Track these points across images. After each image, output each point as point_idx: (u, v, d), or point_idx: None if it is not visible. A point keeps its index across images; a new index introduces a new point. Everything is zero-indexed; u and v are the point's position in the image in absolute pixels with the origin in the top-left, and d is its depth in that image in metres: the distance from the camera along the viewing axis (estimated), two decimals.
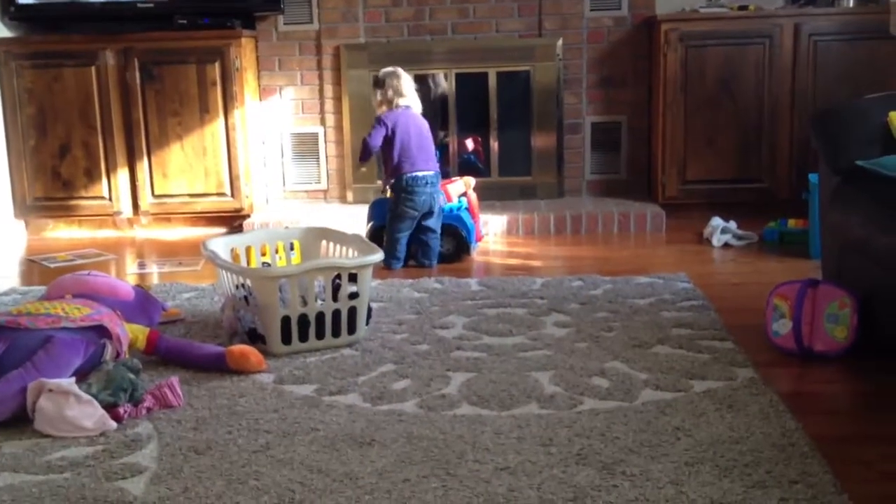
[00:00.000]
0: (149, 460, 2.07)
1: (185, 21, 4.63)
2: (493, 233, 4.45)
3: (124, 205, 4.71)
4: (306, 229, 3.36)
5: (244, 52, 4.65)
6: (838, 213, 2.78)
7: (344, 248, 3.14)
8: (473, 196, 4.16)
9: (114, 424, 2.24)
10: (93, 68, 4.59)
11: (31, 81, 4.61)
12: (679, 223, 4.51)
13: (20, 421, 2.25)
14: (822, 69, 4.40)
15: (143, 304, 2.88)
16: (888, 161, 2.71)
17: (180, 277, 3.81)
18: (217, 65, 4.57)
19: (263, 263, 3.19)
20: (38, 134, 4.66)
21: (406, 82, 3.90)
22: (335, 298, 2.77)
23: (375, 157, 4.03)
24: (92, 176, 4.69)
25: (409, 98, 3.90)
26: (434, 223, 3.86)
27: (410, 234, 3.85)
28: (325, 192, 5.02)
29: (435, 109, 4.84)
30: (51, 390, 2.23)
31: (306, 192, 5.04)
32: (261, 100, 4.94)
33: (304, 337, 2.76)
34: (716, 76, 4.45)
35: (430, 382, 2.50)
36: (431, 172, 3.84)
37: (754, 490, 1.85)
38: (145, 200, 4.70)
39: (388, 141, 3.83)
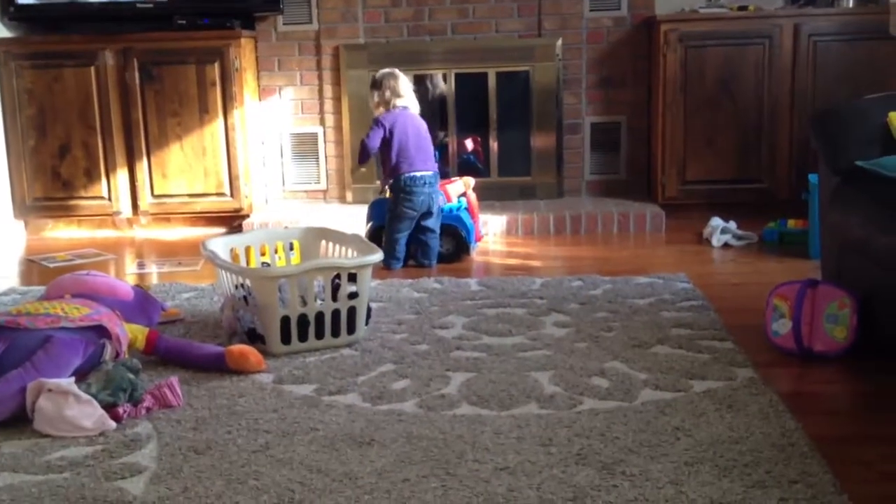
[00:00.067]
0: (148, 460, 2.07)
1: (184, 21, 4.63)
2: (492, 233, 4.45)
3: (124, 205, 4.71)
4: (306, 229, 3.36)
5: (244, 53, 4.65)
6: (838, 213, 2.78)
7: (343, 248, 3.14)
8: (473, 196, 4.16)
9: (113, 424, 2.24)
10: (92, 68, 4.59)
11: (30, 82, 4.61)
12: (679, 223, 4.51)
13: (20, 421, 2.25)
14: (821, 69, 4.40)
15: (142, 304, 2.88)
16: (888, 161, 2.71)
17: (180, 277, 3.81)
18: (216, 65, 4.57)
19: (263, 263, 3.19)
20: (38, 134, 4.66)
21: (403, 83, 3.90)
22: (335, 298, 2.77)
23: (374, 158, 4.02)
24: (91, 176, 4.69)
25: (407, 99, 3.90)
26: (433, 223, 3.87)
27: (410, 235, 3.85)
28: (324, 192, 5.02)
29: (434, 110, 4.84)
30: (50, 390, 2.23)
31: (306, 192, 5.04)
32: (260, 100, 4.94)
33: (303, 337, 2.76)
34: (715, 76, 4.45)
35: (429, 382, 2.50)
36: (430, 173, 3.85)
37: (754, 490, 1.85)
38: (145, 200, 4.70)
39: (387, 142, 3.83)
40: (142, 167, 4.66)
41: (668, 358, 2.63)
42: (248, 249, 3.20)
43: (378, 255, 2.88)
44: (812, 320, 2.60)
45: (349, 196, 4.94)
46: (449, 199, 4.03)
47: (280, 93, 4.95)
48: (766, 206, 4.46)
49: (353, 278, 2.80)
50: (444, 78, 4.83)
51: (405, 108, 3.89)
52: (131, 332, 2.64)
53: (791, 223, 4.10)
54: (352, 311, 2.81)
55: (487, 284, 3.49)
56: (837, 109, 3.04)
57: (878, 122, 2.84)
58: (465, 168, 4.82)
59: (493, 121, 4.82)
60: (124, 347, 2.58)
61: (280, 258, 3.27)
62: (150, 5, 4.66)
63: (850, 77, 4.34)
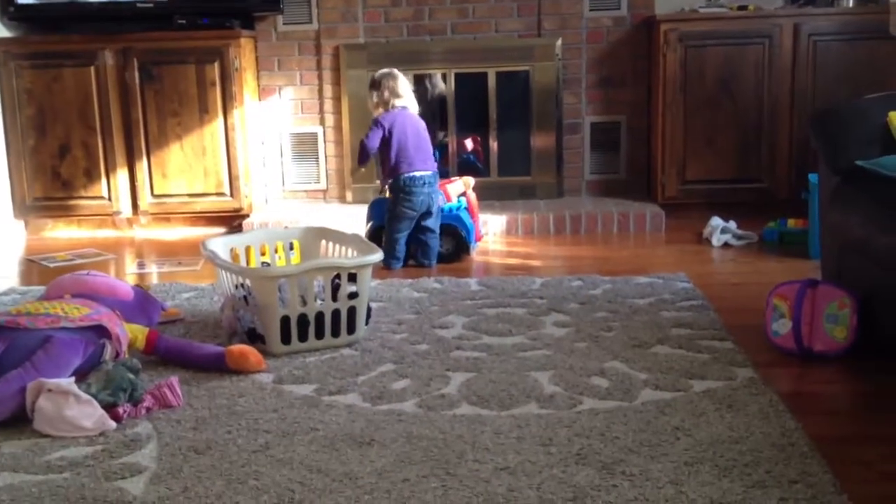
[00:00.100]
0: (148, 460, 2.07)
1: (184, 21, 4.63)
2: (492, 233, 4.45)
3: (124, 205, 4.71)
4: (306, 229, 3.36)
5: (243, 53, 4.65)
6: (838, 213, 2.78)
7: (343, 248, 3.14)
8: (473, 196, 4.16)
9: (113, 424, 2.24)
10: (92, 68, 4.59)
11: (30, 82, 4.61)
12: (678, 223, 4.51)
13: (19, 421, 2.25)
14: (821, 69, 4.40)
15: (142, 303, 2.88)
16: (888, 161, 2.70)
17: (180, 277, 3.81)
18: (216, 65, 4.57)
19: (263, 263, 3.19)
20: (38, 134, 4.66)
21: (402, 83, 3.90)
22: (334, 298, 2.77)
23: (374, 158, 4.02)
24: (91, 176, 4.69)
25: (406, 99, 3.90)
26: (433, 223, 3.87)
27: (410, 234, 3.85)
28: (324, 191, 5.02)
29: (434, 109, 4.84)
30: (50, 390, 2.23)
31: (305, 191, 5.04)
32: (260, 100, 4.94)
33: (303, 337, 2.75)
34: (715, 76, 4.45)
35: (429, 382, 2.50)
36: (429, 172, 3.85)
37: (754, 490, 1.85)
38: (144, 200, 4.70)
39: (386, 142, 3.83)
40: (142, 167, 4.66)
41: (668, 358, 2.63)
42: (248, 249, 3.20)
43: (378, 255, 2.88)
44: (812, 320, 2.60)
45: (349, 196, 4.94)
46: (449, 199, 4.03)
47: (280, 93, 4.95)
48: (765, 206, 4.46)
49: (353, 278, 2.80)
50: (444, 78, 4.83)
51: (404, 108, 3.89)
52: (131, 332, 2.64)
53: (791, 223, 4.10)
54: (352, 311, 2.81)
55: (487, 284, 3.49)
56: (837, 109, 3.04)
57: (878, 121, 2.84)
58: (464, 168, 4.82)
59: (492, 120, 4.82)
60: (124, 347, 2.58)
61: (280, 258, 3.27)
62: (150, 5, 4.66)
63: (849, 77, 4.35)
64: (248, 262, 3.17)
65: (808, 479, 1.88)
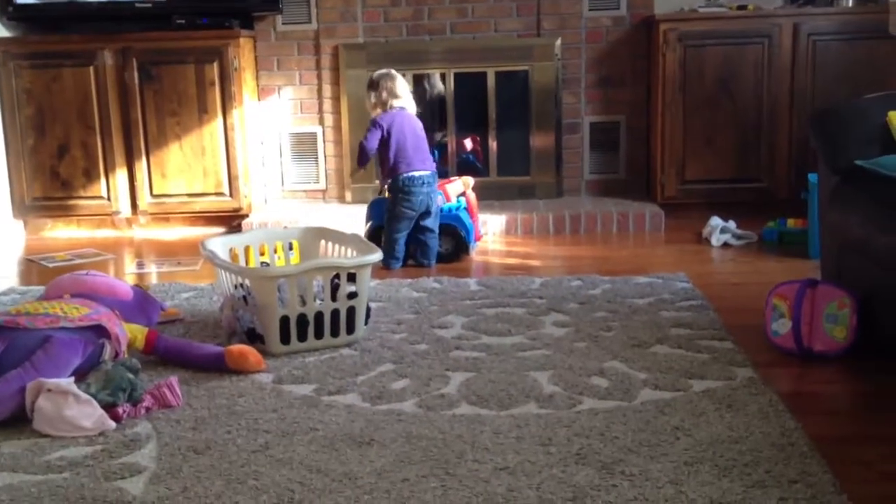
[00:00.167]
0: (148, 460, 2.07)
1: (183, 21, 4.63)
2: (491, 232, 4.45)
3: (123, 205, 4.71)
4: (305, 229, 3.36)
5: (242, 52, 4.65)
6: (837, 212, 2.78)
7: (343, 248, 3.14)
8: (472, 196, 4.16)
9: (113, 424, 2.24)
10: (91, 68, 4.59)
11: (29, 81, 4.61)
12: (678, 223, 4.51)
13: (19, 421, 2.25)
14: (821, 69, 4.40)
15: (141, 303, 2.88)
16: (887, 161, 2.70)
17: (179, 277, 3.81)
18: (215, 65, 4.57)
19: (262, 263, 3.19)
20: (37, 134, 4.66)
21: (400, 83, 3.90)
22: (334, 298, 2.77)
23: (373, 159, 4.02)
24: (90, 176, 4.69)
25: (404, 99, 3.90)
26: (432, 223, 3.86)
27: (409, 234, 3.85)
28: (323, 191, 5.02)
29: (433, 109, 4.84)
30: (49, 390, 2.23)
31: (305, 191, 5.04)
32: (259, 100, 4.94)
33: (302, 337, 2.75)
34: (715, 76, 4.45)
35: (429, 382, 2.49)
36: (428, 172, 3.85)
37: (754, 490, 1.85)
38: (144, 200, 4.70)
39: (384, 142, 3.83)
40: (141, 167, 4.66)
41: (668, 358, 2.63)
42: (247, 249, 3.19)
43: (377, 255, 2.88)
44: (812, 320, 2.60)
45: (348, 196, 4.94)
46: (448, 199, 4.03)
47: (279, 92, 4.95)
48: (765, 206, 4.46)
49: (352, 278, 2.80)
50: (443, 77, 4.83)
51: (402, 108, 3.89)
52: (130, 332, 2.64)
53: (790, 223, 4.10)
54: (351, 311, 2.81)
55: (487, 284, 3.49)
56: (837, 109, 3.04)
57: (878, 121, 2.84)
58: (464, 168, 4.82)
59: (492, 120, 4.82)
60: (123, 347, 2.58)
61: (279, 258, 3.27)
62: (149, 5, 4.66)
63: (849, 76, 4.35)
64: (247, 262, 3.17)
65: (808, 478, 1.88)
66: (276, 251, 3.26)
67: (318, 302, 2.77)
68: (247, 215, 4.69)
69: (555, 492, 1.86)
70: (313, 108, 4.95)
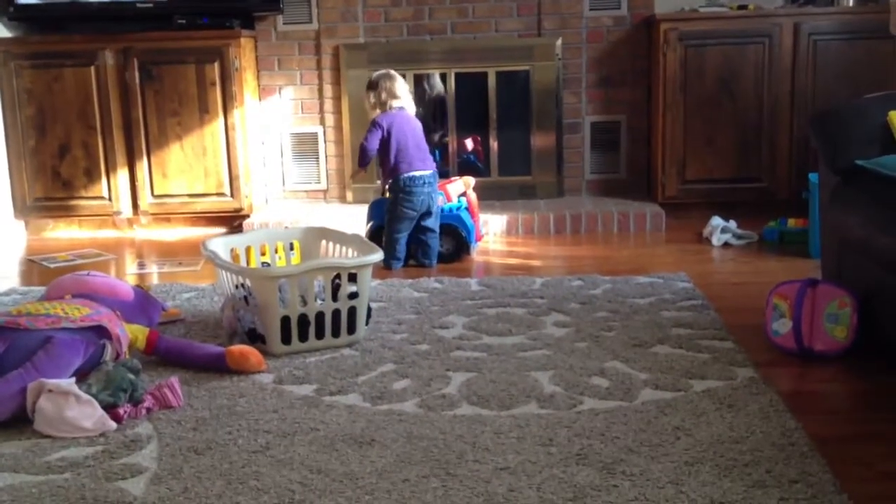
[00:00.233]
0: (149, 461, 2.07)
1: (184, 21, 4.63)
2: (492, 232, 4.45)
3: (124, 205, 4.71)
4: (306, 229, 3.36)
5: (243, 52, 4.65)
6: (838, 212, 2.78)
7: (343, 248, 3.14)
8: (473, 196, 4.16)
9: (113, 425, 2.24)
10: (92, 68, 4.60)
11: (30, 82, 4.61)
12: (679, 223, 4.51)
13: (20, 421, 2.25)
14: (821, 69, 4.40)
15: (142, 304, 2.89)
16: (888, 160, 2.70)
17: (180, 277, 3.81)
18: (216, 65, 4.57)
19: (263, 263, 3.19)
20: (38, 134, 4.66)
21: (399, 84, 3.91)
22: (335, 298, 2.77)
23: (374, 159, 4.02)
24: (91, 176, 4.69)
25: (403, 99, 3.91)
26: (433, 223, 3.87)
27: (410, 234, 3.85)
28: (324, 191, 5.02)
29: (434, 109, 4.85)
30: (50, 391, 2.23)
31: (306, 191, 5.04)
32: (260, 100, 4.94)
33: (303, 337, 2.76)
34: (715, 76, 4.45)
35: (429, 382, 2.50)
36: (429, 172, 3.85)
37: (754, 489, 1.85)
38: (145, 200, 4.70)
39: (385, 143, 3.83)
40: (142, 167, 4.66)
41: (669, 357, 2.63)
42: (248, 249, 3.20)
43: (378, 255, 2.88)
44: (812, 320, 2.60)
45: (349, 196, 4.94)
46: (449, 199, 4.03)
47: (280, 92, 4.95)
48: (766, 206, 4.46)
49: (353, 278, 2.80)
50: (444, 77, 4.83)
51: (402, 108, 3.89)
52: (132, 333, 2.64)
53: (791, 222, 4.10)
54: (352, 311, 2.81)
55: (488, 284, 3.49)
56: (837, 109, 3.04)
57: (878, 121, 2.84)
58: (465, 167, 4.82)
59: (492, 120, 4.82)
60: (125, 348, 2.58)
61: (280, 258, 3.27)
62: (150, 5, 4.66)
63: (849, 76, 4.35)
64: (248, 263, 3.17)
65: (809, 478, 1.88)
66: (277, 251, 3.26)
67: (319, 302, 2.78)
68: (248, 215, 4.69)
69: (555, 492, 1.87)
70: (314, 108, 4.95)
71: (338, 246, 3.18)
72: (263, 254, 3.22)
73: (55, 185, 4.70)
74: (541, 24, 4.77)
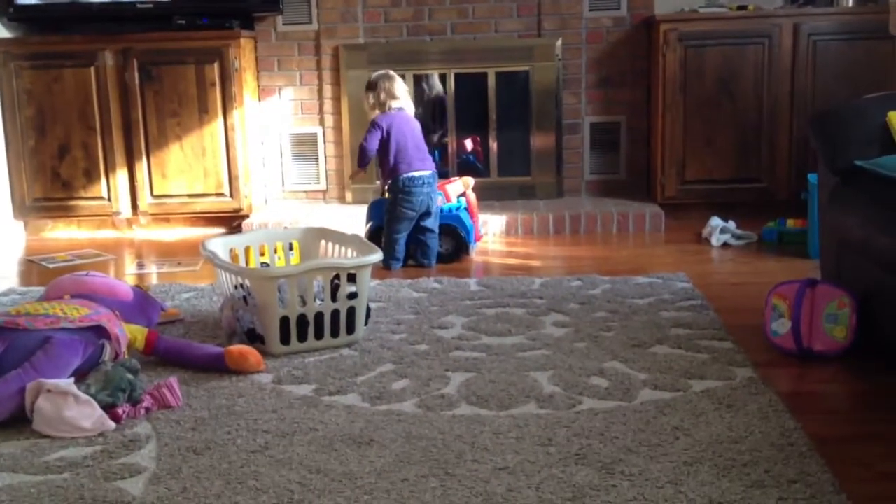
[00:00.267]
0: (147, 460, 2.07)
1: (183, 21, 4.63)
2: (492, 233, 4.45)
3: (123, 205, 4.71)
4: (305, 229, 3.36)
5: (243, 53, 4.65)
6: (837, 213, 2.78)
7: (343, 249, 3.14)
8: (472, 196, 4.16)
9: (112, 425, 2.24)
10: (92, 69, 4.60)
11: (30, 82, 4.61)
12: (678, 223, 4.51)
13: (19, 421, 2.25)
14: (821, 69, 4.40)
15: (141, 304, 2.89)
16: (887, 161, 2.70)
17: (179, 278, 3.81)
18: (216, 65, 4.57)
19: (262, 264, 3.19)
20: (38, 134, 4.66)
21: (398, 84, 3.91)
22: (334, 298, 2.77)
23: (373, 159, 4.02)
24: (91, 176, 4.69)
25: (402, 100, 3.91)
26: (432, 223, 3.87)
27: (409, 235, 3.85)
28: (324, 192, 5.02)
29: (434, 110, 4.84)
30: (49, 391, 2.23)
31: (305, 192, 5.04)
32: (260, 100, 4.94)
33: (302, 337, 2.76)
34: (715, 76, 4.45)
35: (428, 382, 2.50)
36: (428, 172, 3.85)
37: (753, 489, 1.85)
38: (144, 201, 4.70)
39: (384, 143, 3.84)
40: (141, 167, 4.66)
41: (668, 358, 2.63)
42: (247, 250, 3.20)
43: (377, 256, 2.88)
44: (811, 320, 2.60)
45: (349, 196, 4.95)
46: (448, 199, 4.03)
47: (280, 93, 4.95)
48: (765, 206, 4.46)
49: (352, 278, 2.80)
50: (444, 78, 4.83)
51: (400, 108, 3.89)
52: (130, 333, 2.64)
53: (790, 223, 4.10)
54: (351, 312, 2.81)
55: (487, 284, 3.49)
56: (837, 109, 3.04)
57: (878, 121, 2.84)
58: (464, 168, 4.82)
59: (492, 121, 4.82)
60: (123, 348, 2.58)
61: (279, 258, 3.27)
62: (150, 5, 4.66)
63: (849, 76, 4.35)
64: (247, 263, 3.17)
65: (808, 478, 1.88)
66: (276, 252, 3.26)
67: (318, 302, 2.78)
68: (247, 216, 4.69)
69: (554, 492, 1.87)
70: (314, 108, 4.95)
71: (337, 246, 3.18)
72: (262, 254, 3.22)
73: (55, 185, 4.70)
74: (541, 25, 4.77)
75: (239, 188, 4.66)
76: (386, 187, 3.91)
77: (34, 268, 4.14)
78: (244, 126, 4.65)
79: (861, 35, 4.34)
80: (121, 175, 4.68)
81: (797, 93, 4.43)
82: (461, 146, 4.90)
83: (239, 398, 2.42)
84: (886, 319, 2.52)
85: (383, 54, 4.74)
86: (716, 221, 4.17)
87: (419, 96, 4.80)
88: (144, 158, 4.65)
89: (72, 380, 2.30)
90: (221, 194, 4.68)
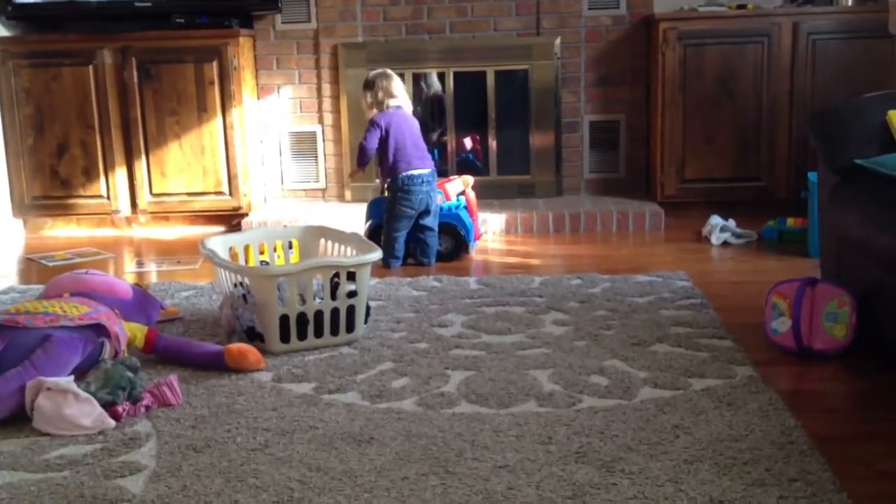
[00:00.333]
0: (147, 458, 2.07)
1: (182, 20, 4.63)
2: (491, 231, 4.45)
3: (122, 203, 4.71)
4: (305, 228, 3.36)
5: (242, 51, 4.64)
6: (837, 211, 2.78)
7: (342, 247, 3.13)
8: (472, 195, 4.16)
9: (112, 423, 2.24)
10: (90, 67, 4.59)
11: (28, 81, 4.61)
12: (678, 222, 4.51)
13: (19, 419, 2.25)
14: (820, 68, 4.40)
15: (141, 302, 2.88)
16: (887, 160, 2.70)
17: (179, 276, 3.81)
18: (215, 64, 4.57)
19: (262, 262, 3.19)
20: (36, 133, 4.66)
21: (396, 83, 3.91)
22: (334, 297, 2.77)
23: (373, 158, 4.02)
24: (90, 175, 4.69)
25: (400, 98, 3.91)
26: (431, 222, 3.86)
27: (409, 233, 3.85)
28: (323, 190, 5.02)
29: (433, 108, 4.84)
30: (49, 389, 2.23)
31: (304, 190, 5.04)
32: (259, 99, 4.94)
33: (302, 335, 2.75)
34: (714, 75, 4.45)
35: (428, 381, 2.49)
36: (427, 171, 3.85)
37: (753, 488, 1.85)
38: (143, 199, 4.70)
39: (383, 142, 3.84)
40: (140, 166, 4.66)
41: (668, 356, 2.63)
42: (246, 248, 3.20)
43: (377, 254, 2.88)
44: (811, 318, 2.60)
45: (348, 195, 4.94)
46: (448, 198, 4.03)
47: (279, 91, 4.95)
48: (765, 205, 4.46)
49: (352, 277, 2.80)
50: (443, 77, 4.83)
51: (399, 107, 3.89)
52: (130, 331, 2.64)
53: (790, 221, 4.10)
54: (351, 310, 2.81)
55: (486, 283, 3.49)
56: (836, 108, 3.04)
57: (877, 120, 2.84)
58: (463, 166, 4.82)
59: (491, 119, 4.82)
60: (123, 346, 2.58)
61: (279, 257, 3.27)
62: (148, 4, 4.65)
63: (849, 75, 4.35)
64: (246, 261, 3.17)
65: (808, 477, 1.88)
66: (275, 250, 3.26)
67: (317, 301, 2.77)
68: (246, 214, 4.69)
69: (555, 490, 1.86)
70: (313, 107, 4.95)
71: (336, 245, 3.17)
72: (262, 252, 3.22)
73: (53, 183, 4.70)
74: (539, 24, 4.77)
75: (238, 186, 4.66)
76: (385, 186, 3.91)
77: (33, 266, 4.13)
78: (243, 124, 4.65)
79: (860, 34, 4.34)
80: (120, 173, 4.67)
81: (797, 92, 4.43)
82: (460, 145, 4.90)
83: (239, 396, 2.42)
84: (886, 318, 2.52)
85: (382, 53, 4.74)
86: (716, 220, 4.17)
87: (418, 95, 4.80)
88: (143, 157, 4.65)
89: (71, 378, 2.29)
90: (221, 193, 4.68)
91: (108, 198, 4.71)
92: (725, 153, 4.52)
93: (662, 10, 4.63)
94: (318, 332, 2.77)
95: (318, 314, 2.76)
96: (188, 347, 2.69)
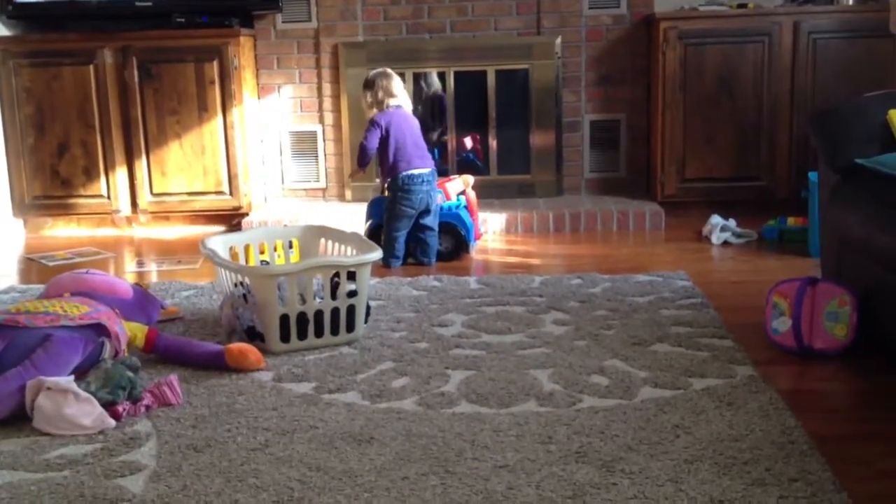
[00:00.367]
0: (148, 458, 2.07)
1: (183, 19, 4.63)
2: (491, 231, 4.45)
3: (123, 203, 4.71)
4: (305, 227, 3.36)
5: (242, 51, 4.64)
6: (838, 211, 2.77)
7: (343, 247, 3.13)
8: (472, 194, 4.16)
9: (112, 422, 2.24)
10: (91, 67, 4.59)
11: (29, 80, 4.61)
12: (678, 221, 4.51)
13: (19, 419, 2.25)
14: (821, 67, 4.40)
15: (141, 302, 2.88)
16: (888, 159, 2.70)
17: (179, 276, 3.81)
18: (215, 63, 4.57)
19: (262, 262, 3.19)
20: (37, 132, 4.66)
21: (396, 82, 3.90)
22: (334, 297, 2.77)
23: (374, 158, 4.02)
24: (90, 174, 4.69)
25: (400, 98, 3.91)
26: (431, 221, 3.86)
27: (409, 233, 3.85)
28: (323, 190, 5.02)
29: (433, 108, 4.84)
30: (49, 388, 2.23)
31: (305, 190, 5.04)
32: (259, 98, 4.94)
33: (302, 335, 2.75)
34: (715, 74, 4.45)
35: (429, 380, 2.49)
36: (427, 170, 3.85)
37: (754, 488, 1.85)
38: (144, 199, 4.70)
39: (383, 141, 3.84)
40: (141, 165, 4.66)
41: (668, 356, 2.63)
42: (247, 248, 3.19)
43: (377, 254, 2.88)
44: (812, 318, 2.60)
45: (348, 194, 4.94)
46: (448, 197, 4.03)
47: (279, 91, 4.94)
48: (765, 204, 4.46)
49: (352, 276, 2.80)
50: (443, 76, 4.83)
51: (399, 107, 3.89)
52: (130, 331, 2.64)
53: (791, 221, 4.10)
54: (351, 310, 2.81)
55: (487, 282, 3.49)
56: (837, 107, 3.04)
57: (878, 119, 2.84)
58: (464, 166, 4.82)
59: (492, 119, 4.82)
60: (123, 345, 2.58)
61: (279, 256, 3.27)
62: (149, 3, 4.66)
63: (849, 75, 4.34)
64: (247, 261, 3.17)
65: (808, 476, 1.88)
66: (276, 250, 3.26)
67: (317, 300, 2.77)
68: (247, 214, 4.69)
69: (555, 490, 1.86)
70: (313, 106, 4.95)
71: (337, 244, 3.17)
72: (262, 252, 3.22)
73: (54, 183, 4.70)
74: (540, 23, 4.77)
75: (238, 186, 4.66)
76: (385, 185, 3.91)
77: (34, 266, 4.13)
78: (244, 124, 4.65)
79: (861, 33, 4.34)
80: (120, 173, 4.68)
81: (797, 91, 4.43)
82: (461, 144, 4.90)
83: (239, 396, 2.42)
84: (887, 317, 2.52)
85: (382, 52, 4.73)
86: (716, 219, 4.17)
87: (418, 94, 4.80)
88: (144, 156, 4.65)
89: (72, 377, 2.29)
90: (221, 192, 4.68)
91: (109, 197, 4.71)
92: (726, 153, 4.51)
93: (663, 10, 4.63)
94: (319, 332, 2.77)
95: (319, 314, 2.76)
96: (188, 347, 2.69)
